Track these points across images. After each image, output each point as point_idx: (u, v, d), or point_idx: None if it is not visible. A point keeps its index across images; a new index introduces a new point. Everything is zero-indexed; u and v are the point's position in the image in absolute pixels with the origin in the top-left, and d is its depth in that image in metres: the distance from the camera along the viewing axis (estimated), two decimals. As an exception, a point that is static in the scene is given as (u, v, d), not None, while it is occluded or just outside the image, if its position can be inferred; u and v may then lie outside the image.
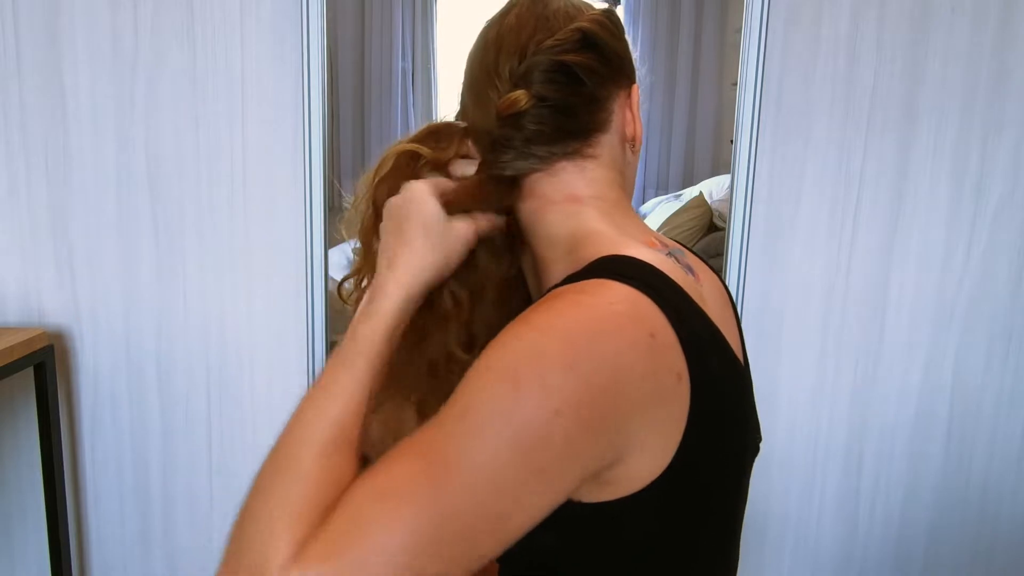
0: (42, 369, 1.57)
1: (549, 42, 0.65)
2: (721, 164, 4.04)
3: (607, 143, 0.68)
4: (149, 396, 1.69)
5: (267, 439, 0.57)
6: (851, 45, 1.57)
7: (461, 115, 0.72)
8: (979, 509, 1.74)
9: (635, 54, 0.73)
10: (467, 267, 0.68)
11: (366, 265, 0.70)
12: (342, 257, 3.37)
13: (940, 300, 1.65)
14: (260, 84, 1.57)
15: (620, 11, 4.01)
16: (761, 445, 0.68)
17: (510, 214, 0.69)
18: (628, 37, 0.72)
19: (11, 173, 1.60)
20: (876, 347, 1.67)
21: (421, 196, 0.65)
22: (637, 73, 0.73)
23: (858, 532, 1.76)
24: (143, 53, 1.56)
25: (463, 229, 0.65)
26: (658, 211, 3.56)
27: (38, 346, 1.55)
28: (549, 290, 0.59)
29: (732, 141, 1.61)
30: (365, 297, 0.64)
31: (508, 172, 0.66)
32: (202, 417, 1.69)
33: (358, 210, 0.71)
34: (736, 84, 1.60)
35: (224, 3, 1.55)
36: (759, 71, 1.57)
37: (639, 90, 0.71)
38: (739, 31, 1.59)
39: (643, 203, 4.16)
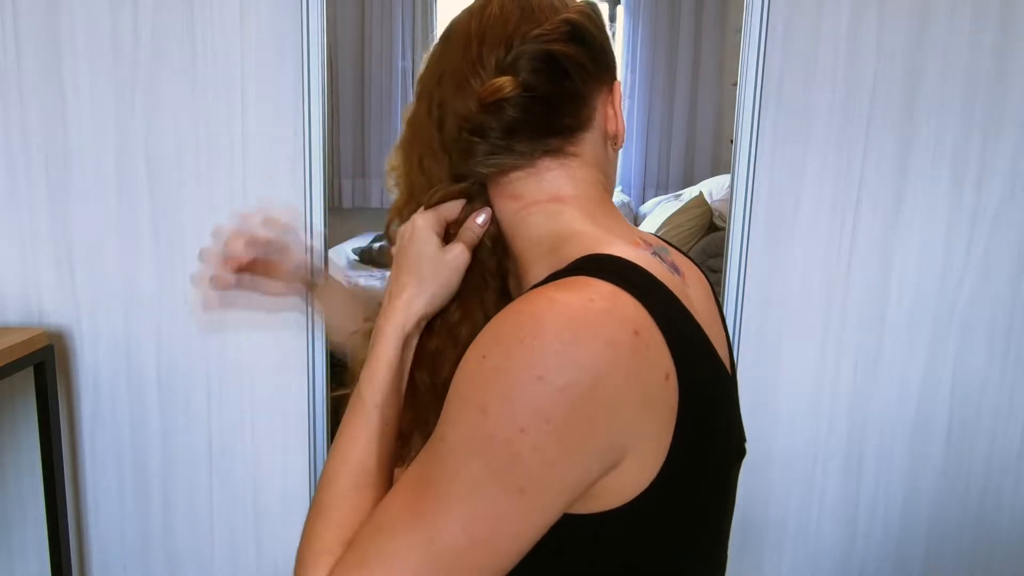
0: (42, 369, 1.57)
1: (536, 31, 0.63)
2: (721, 164, 4.05)
3: (590, 141, 0.67)
4: (149, 396, 1.69)
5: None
6: (851, 45, 1.57)
7: (426, 112, 0.67)
8: (979, 509, 1.74)
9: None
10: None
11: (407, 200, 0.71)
12: (342, 257, 3.37)
13: (940, 300, 1.65)
14: (260, 84, 1.57)
15: (620, 11, 4.01)
16: (747, 446, 0.67)
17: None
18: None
19: (11, 173, 1.60)
20: (876, 347, 1.67)
21: (418, 234, 0.66)
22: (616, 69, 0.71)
23: (858, 532, 1.76)
24: (143, 53, 1.56)
25: (455, 256, 0.65)
26: (658, 211, 3.56)
27: (38, 346, 1.55)
28: (530, 288, 0.58)
29: (732, 141, 1.61)
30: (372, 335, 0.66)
31: (485, 169, 0.64)
32: (202, 417, 1.69)
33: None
34: (736, 84, 1.60)
35: (224, 3, 1.55)
36: (759, 71, 1.57)
37: (620, 87, 0.70)
38: (739, 31, 1.59)
39: (643, 203, 4.17)
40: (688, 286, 0.65)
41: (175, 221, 1.62)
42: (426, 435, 0.57)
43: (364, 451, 0.62)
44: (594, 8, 0.68)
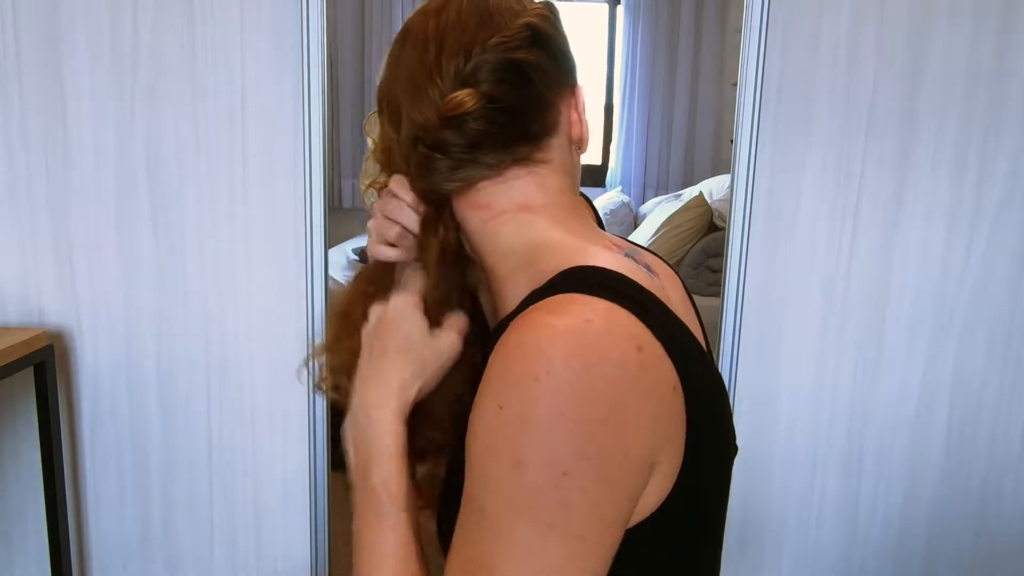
0: (42, 369, 1.57)
1: (496, 39, 0.60)
2: (721, 164, 4.05)
3: (557, 147, 0.65)
4: (149, 396, 1.69)
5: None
6: (851, 45, 1.57)
7: (387, 118, 0.65)
8: (979, 509, 1.74)
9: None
10: None
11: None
12: (342, 257, 3.37)
13: (940, 300, 1.65)
14: (260, 84, 1.57)
15: (620, 11, 4.01)
16: (746, 445, 0.67)
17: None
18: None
19: (11, 172, 1.60)
20: (876, 347, 1.67)
21: (400, 315, 0.62)
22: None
23: (857, 533, 1.76)
24: (143, 53, 1.56)
25: (450, 346, 0.63)
26: (658, 211, 3.56)
27: (38, 346, 1.55)
28: (515, 311, 0.56)
29: (732, 141, 1.61)
30: (351, 436, 0.63)
31: (451, 185, 0.62)
32: (202, 417, 1.69)
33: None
34: (736, 84, 1.60)
35: (224, 3, 1.55)
36: (759, 71, 1.57)
37: (582, 91, 0.68)
38: (739, 31, 1.59)
39: (643, 203, 4.17)
40: (665, 286, 0.64)
41: (175, 221, 1.62)
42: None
43: (405, 555, 0.58)
44: (552, 9, 0.65)
